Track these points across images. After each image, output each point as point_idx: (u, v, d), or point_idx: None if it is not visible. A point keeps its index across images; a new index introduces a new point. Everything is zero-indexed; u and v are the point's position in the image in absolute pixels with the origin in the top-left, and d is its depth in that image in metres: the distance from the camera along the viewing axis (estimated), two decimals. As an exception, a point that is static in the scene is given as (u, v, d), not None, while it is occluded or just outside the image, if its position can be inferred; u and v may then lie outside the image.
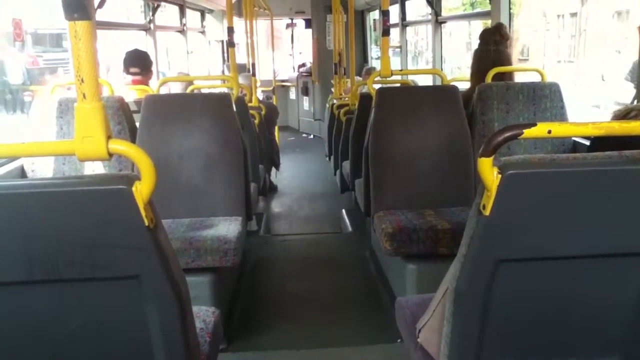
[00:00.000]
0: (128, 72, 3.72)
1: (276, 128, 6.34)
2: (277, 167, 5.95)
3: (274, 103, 7.23)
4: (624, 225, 1.13)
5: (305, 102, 9.83)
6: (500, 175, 1.07)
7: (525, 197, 1.10)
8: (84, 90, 1.14)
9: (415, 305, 1.77)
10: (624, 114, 1.51)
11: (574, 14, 13.70)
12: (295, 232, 4.57)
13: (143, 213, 1.11)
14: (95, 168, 2.82)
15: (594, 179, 1.09)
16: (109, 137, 1.16)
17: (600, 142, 1.35)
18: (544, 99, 2.92)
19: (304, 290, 3.22)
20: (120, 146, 1.17)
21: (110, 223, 1.12)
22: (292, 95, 10.18)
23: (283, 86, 10.08)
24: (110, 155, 1.16)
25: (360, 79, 6.12)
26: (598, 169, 1.09)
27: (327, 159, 6.39)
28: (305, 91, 9.77)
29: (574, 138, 2.92)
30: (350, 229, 4.43)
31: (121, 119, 2.78)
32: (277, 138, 6.38)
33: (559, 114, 2.92)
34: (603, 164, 1.09)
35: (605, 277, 1.19)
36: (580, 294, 1.21)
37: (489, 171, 1.08)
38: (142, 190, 1.10)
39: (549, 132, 1.09)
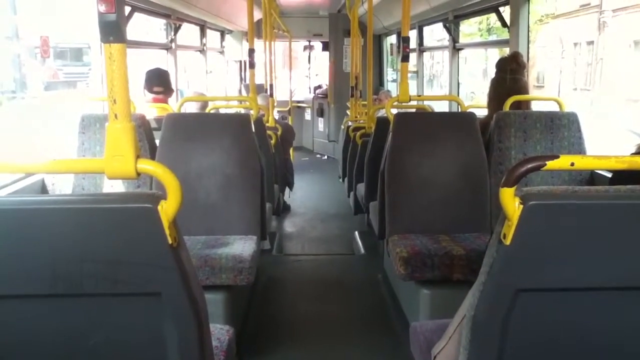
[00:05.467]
0: (151, 91, 3.77)
1: (291, 148, 6.38)
2: (291, 187, 5.98)
3: (290, 123, 7.29)
4: None
5: (320, 124, 9.89)
6: (522, 206, 1.08)
7: (547, 227, 1.10)
8: (116, 111, 1.17)
9: (429, 331, 1.76)
10: None
11: (590, 42, 13.70)
12: (308, 253, 4.56)
13: (167, 232, 1.13)
14: (113, 183, 2.86)
15: (616, 212, 1.10)
16: (137, 157, 1.19)
17: (623, 175, 1.35)
18: (562, 128, 2.92)
19: (316, 311, 3.21)
20: (149, 166, 1.19)
21: (134, 240, 1.14)
22: (308, 116, 10.25)
23: (299, 107, 10.16)
24: (138, 174, 1.19)
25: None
26: (620, 203, 1.09)
27: (341, 180, 6.40)
28: (321, 112, 9.84)
29: None
30: (362, 251, 4.42)
31: (142, 136, 2.83)
32: (291, 158, 6.41)
33: (577, 144, 2.92)
34: (625, 198, 1.09)
35: (626, 310, 1.19)
36: (600, 326, 1.20)
37: (510, 201, 1.09)
38: (167, 210, 1.12)
39: (572, 164, 1.10)
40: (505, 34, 4.11)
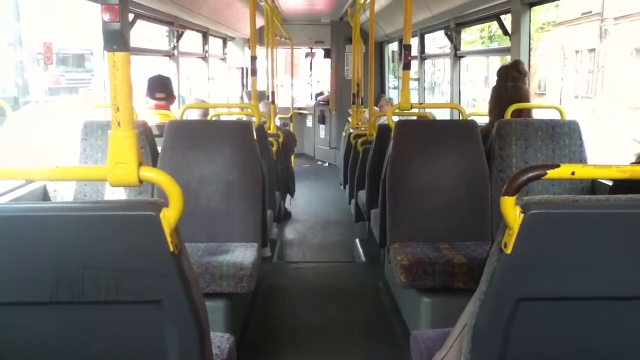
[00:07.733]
0: (154, 98, 3.79)
1: (292, 155, 6.39)
2: (292, 194, 5.98)
3: (291, 130, 7.29)
4: None
5: (322, 130, 9.90)
6: (522, 215, 1.08)
7: (547, 236, 1.10)
8: (119, 119, 1.18)
9: (430, 339, 1.76)
10: None
11: (592, 50, 13.73)
12: (309, 260, 4.56)
13: (169, 239, 1.13)
14: (115, 190, 2.86)
15: (617, 221, 1.10)
16: (140, 164, 1.19)
17: (623, 184, 1.35)
18: (563, 136, 2.92)
19: (316, 320, 3.20)
20: (151, 174, 1.20)
21: (136, 248, 1.14)
22: (309, 123, 10.27)
23: (300, 114, 10.18)
24: (141, 182, 1.19)
25: (378, 109, 6.18)
26: (620, 212, 1.09)
27: (342, 187, 6.40)
28: (322, 119, 9.85)
29: None
30: (363, 258, 4.42)
31: (144, 142, 2.83)
32: (292, 165, 6.41)
33: (578, 152, 2.92)
34: (625, 207, 1.09)
35: (628, 320, 1.19)
36: (602, 336, 1.20)
37: (511, 210, 1.09)
38: (169, 217, 1.12)
39: (573, 173, 1.10)
40: (506, 42, 4.12)
